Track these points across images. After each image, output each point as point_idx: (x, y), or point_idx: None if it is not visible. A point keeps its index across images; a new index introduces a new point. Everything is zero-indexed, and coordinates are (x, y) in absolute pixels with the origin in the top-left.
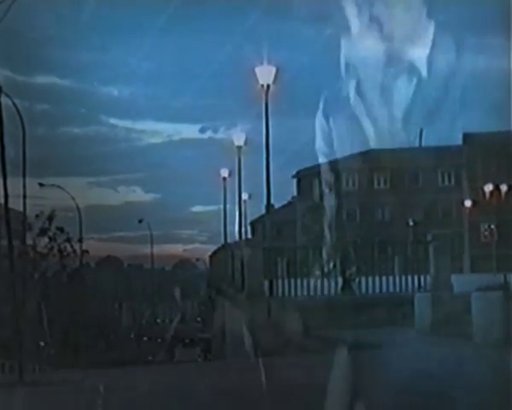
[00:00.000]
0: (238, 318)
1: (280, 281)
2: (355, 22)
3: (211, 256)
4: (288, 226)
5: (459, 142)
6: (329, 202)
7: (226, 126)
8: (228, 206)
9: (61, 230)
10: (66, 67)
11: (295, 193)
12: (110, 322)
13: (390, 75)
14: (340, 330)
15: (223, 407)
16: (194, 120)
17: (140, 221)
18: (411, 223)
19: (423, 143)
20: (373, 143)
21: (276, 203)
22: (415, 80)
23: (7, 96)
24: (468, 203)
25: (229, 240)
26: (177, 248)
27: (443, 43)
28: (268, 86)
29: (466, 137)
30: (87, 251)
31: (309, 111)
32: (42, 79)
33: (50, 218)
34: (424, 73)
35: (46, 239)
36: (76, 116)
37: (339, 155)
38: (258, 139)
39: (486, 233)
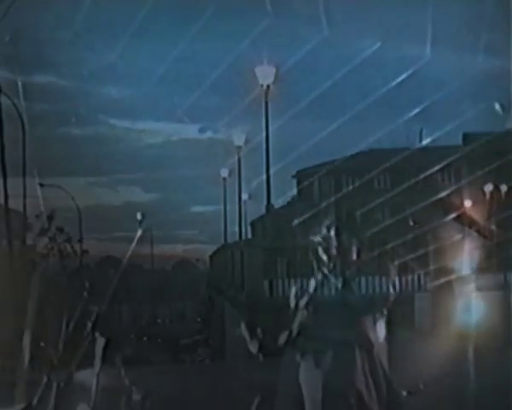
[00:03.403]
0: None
1: (280, 281)
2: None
3: (211, 256)
4: (288, 226)
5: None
6: (329, 201)
7: (226, 126)
8: (228, 206)
9: (61, 230)
10: (66, 67)
11: (295, 193)
12: (110, 322)
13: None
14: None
15: None
16: (194, 120)
17: (140, 222)
18: (411, 223)
19: (423, 143)
20: (373, 143)
21: (276, 203)
22: (415, 78)
23: (7, 96)
24: (468, 203)
25: (229, 240)
26: (177, 249)
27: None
28: (268, 86)
29: (466, 137)
30: (87, 251)
31: (309, 111)
32: (41, 79)
33: (50, 218)
34: (425, 71)
35: (46, 239)
36: (75, 116)
37: (339, 154)
38: (259, 139)
39: (486, 233)
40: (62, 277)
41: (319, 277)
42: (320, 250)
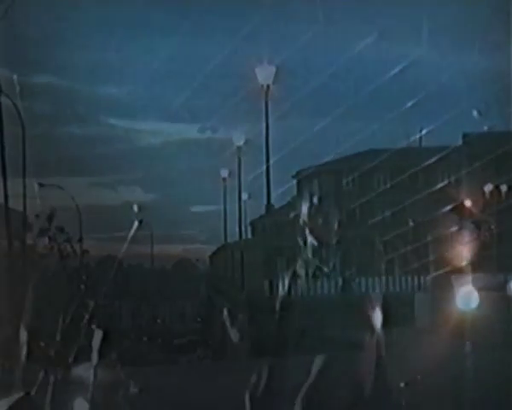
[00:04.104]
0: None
1: (280, 281)
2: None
3: (211, 256)
4: (288, 226)
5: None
6: (329, 202)
7: (226, 126)
8: (228, 206)
9: (61, 230)
10: (66, 67)
11: (295, 193)
12: (109, 320)
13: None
14: (338, 331)
15: None
16: (194, 120)
17: (140, 222)
18: (411, 223)
19: (423, 143)
20: (373, 143)
21: (276, 203)
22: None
23: (7, 96)
24: (468, 203)
25: (229, 240)
26: (177, 248)
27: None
28: (268, 86)
29: (466, 137)
30: (87, 251)
31: (308, 111)
32: (41, 79)
33: (50, 218)
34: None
35: (46, 239)
36: (75, 116)
37: (339, 155)
38: (258, 139)
39: (486, 233)
40: (62, 277)
41: (311, 263)
42: (307, 231)
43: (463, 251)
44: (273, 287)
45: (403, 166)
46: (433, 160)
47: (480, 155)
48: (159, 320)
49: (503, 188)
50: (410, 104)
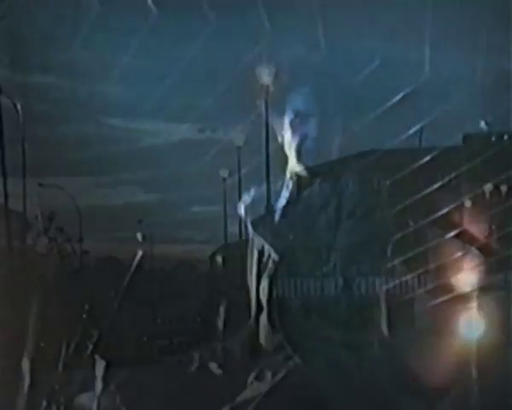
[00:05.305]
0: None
1: (280, 281)
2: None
3: (211, 256)
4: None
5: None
6: (329, 202)
7: (226, 127)
8: (228, 206)
9: (61, 230)
10: (66, 67)
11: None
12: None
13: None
14: (338, 331)
15: None
16: (194, 120)
17: (140, 222)
18: (411, 223)
19: (423, 143)
20: (373, 143)
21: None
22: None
23: (7, 97)
24: (468, 203)
25: (229, 240)
26: (177, 249)
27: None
28: (268, 86)
29: (466, 137)
30: (87, 251)
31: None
32: (41, 79)
33: (50, 218)
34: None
35: (46, 239)
36: (76, 116)
37: (338, 155)
38: (258, 139)
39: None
40: (62, 278)
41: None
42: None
43: (467, 278)
44: (272, 287)
45: (403, 166)
46: (433, 160)
47: (480, 155)
48: (158, 320)
49: (504, 188)
50: (410, 110)
